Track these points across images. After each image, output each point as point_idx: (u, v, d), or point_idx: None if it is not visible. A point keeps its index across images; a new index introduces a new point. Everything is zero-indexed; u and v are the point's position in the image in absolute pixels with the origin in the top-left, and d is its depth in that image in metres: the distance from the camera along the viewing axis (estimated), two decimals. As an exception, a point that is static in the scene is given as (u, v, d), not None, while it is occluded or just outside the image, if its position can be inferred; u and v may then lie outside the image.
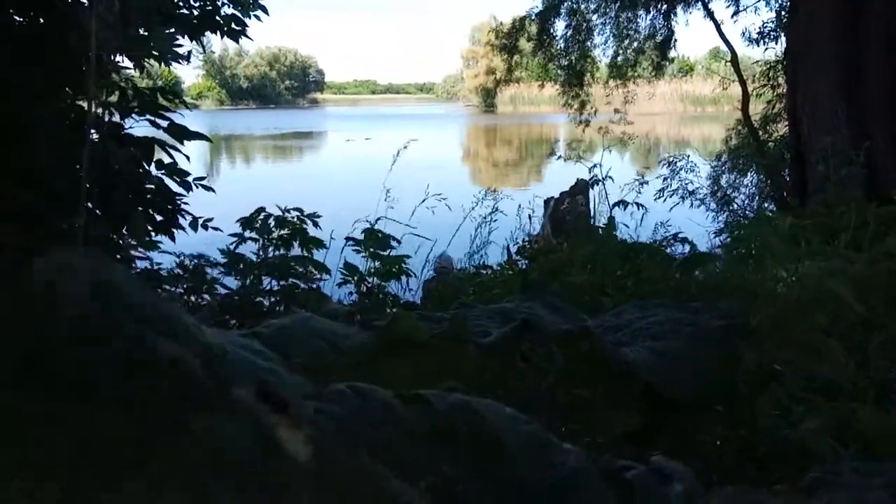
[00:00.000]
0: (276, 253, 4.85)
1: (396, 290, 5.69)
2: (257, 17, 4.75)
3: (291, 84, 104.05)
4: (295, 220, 4.91)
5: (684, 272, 3.19)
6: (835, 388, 1.85)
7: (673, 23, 12.98)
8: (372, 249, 4.91)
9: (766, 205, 10.22)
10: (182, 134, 4.18)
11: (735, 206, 10.81)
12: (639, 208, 7.61)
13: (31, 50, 3.84)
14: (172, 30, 4.42)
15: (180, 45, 4.41)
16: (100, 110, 3.90)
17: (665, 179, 10.54)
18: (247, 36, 4.74)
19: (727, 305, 2.05)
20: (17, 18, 4.07)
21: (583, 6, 13.12)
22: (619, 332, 1.88)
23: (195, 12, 4.56)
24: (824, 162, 6.15)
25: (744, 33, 12.04)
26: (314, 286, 4.88)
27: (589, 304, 3.32)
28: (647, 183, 9.05)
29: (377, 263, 4.97)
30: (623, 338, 1.84)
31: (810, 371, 1.85)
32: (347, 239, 5.15)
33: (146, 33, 4.24)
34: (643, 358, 1.69)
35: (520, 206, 9.99)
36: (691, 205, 10.67)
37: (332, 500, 0.35)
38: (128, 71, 4.58)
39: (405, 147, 7.17)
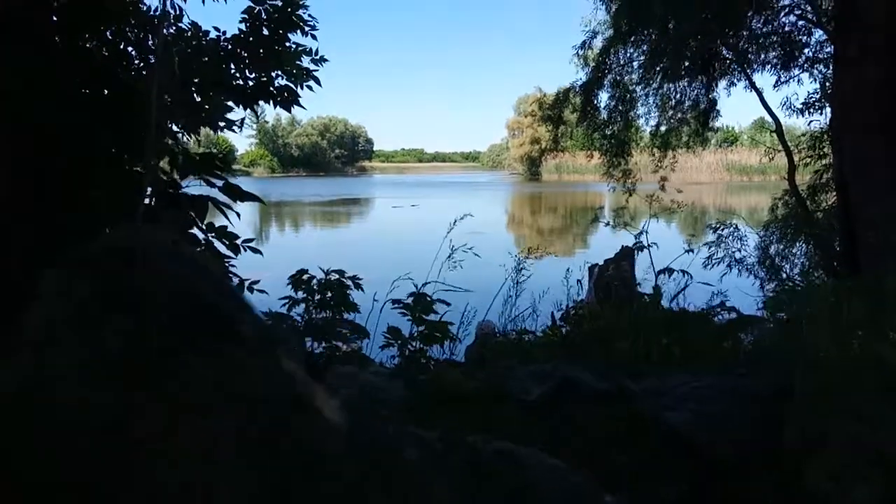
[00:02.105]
0: (319, 315, 4.93)
1: (439, 354, 5.70)
2: (310, 88, 4.92)
3: (341, 152, 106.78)
4: (335, 282, 5.00)
5: (728, 335, 3.15)
6: (886, 457, 1.80)
7: (715, 94, 13.03)
8: (417, 314, 4.97)
9: (816, 275, 10.02)
10: (236, 194, 4.31)
11: (784, 275, 10.62)
12: (684, 275, 7.53)
13: (95, 118, 4.05)
14: (229, 101, 4.60)
15: (232, 110, 4.59)
16: (156, 173, 4.06)
17: (711, 247, 10.45)
18: (300, 105, 4.90)
19: (772, 370, 2.02)
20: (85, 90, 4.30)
21: (626, 78, 13.28)
22: (663, 396, 1.86)
23: (250, 83, 4.75)
24: (873, 231, 6.04)
25: (784, 102, 12.01)
26: (356, 347, 4.93)
27: (633, 370, 3.29)
28: (692, 251, 8.98)
29: (422, 327, 5.01)
30: (667, 401, 1.82)
31: (861, 438, 1.81)
32: (394, 302, 5.21)
33: (201, 101, 4.44)
34: (687, 421, 1.67)
35: (568, 270, 9.95)
36: (739, 273, 10.53)
37: (363, 462, 0.39)
38: (182, 136, 4.76)
39: (461, 218, 7.29)
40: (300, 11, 4.68)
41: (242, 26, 4.65)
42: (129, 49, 4.55)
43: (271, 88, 4.82)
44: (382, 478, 0.40)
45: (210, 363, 0.40)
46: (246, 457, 0.38)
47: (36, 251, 3.32)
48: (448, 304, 5.22)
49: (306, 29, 4.74)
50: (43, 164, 3.46)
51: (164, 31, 4.15)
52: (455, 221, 7.23)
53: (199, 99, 4.48)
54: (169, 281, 0.44)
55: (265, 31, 4.65)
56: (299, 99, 4.90)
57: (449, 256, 6.98)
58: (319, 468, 0.38)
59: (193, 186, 4.28)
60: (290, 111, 5.05)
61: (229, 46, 4.65)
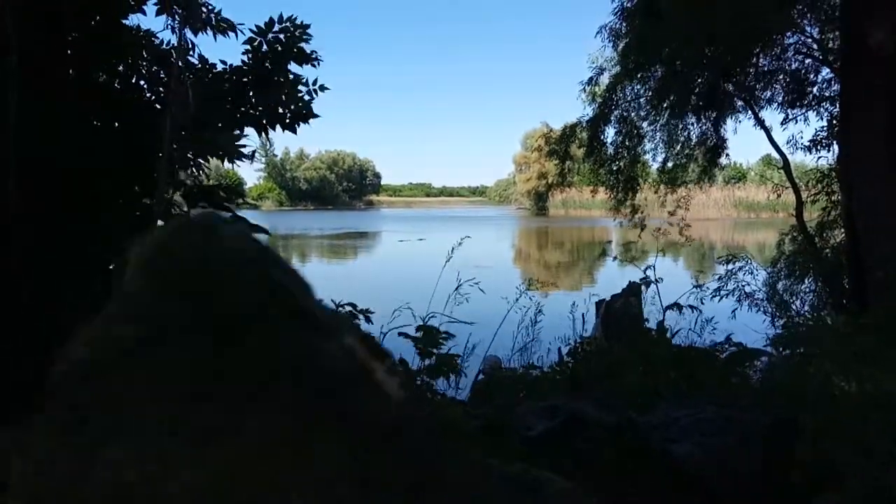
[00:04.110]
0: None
1: (445, 388, 5.66)
2: (309, 120, 4.89)
3: (349, 186, 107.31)
4: (347, 315, 4.98)
5: (735, 368, 3.12)
6: (897, 493, 1.77)
7: (723, 130, 13.09)
8: (426, 347, 4.94)
9: (825, 311, 9.96)
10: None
11: (793, 311, 10.56)
12: (693, 311, 7.50)
13: (109, 149, 4.10)
14: (237, 132, 4.63)
15: (244, 146, 4.62)
16: (167, 203, 4.10)
17: (721, 278, 10.43)
18: (313, 114, 4.84)
19: (776, 403, 2.00)
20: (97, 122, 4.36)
21: (632, 114, 13.35)
22: (668, 429, 1.85)
23: (259, 110, 4.77)
24: (882, 268, 6.02)
25: (789, 141, 12.09)
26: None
27: (640, 405, 3.26)
28: (700, 286, 8.95)
29: (430, 360, 4.97)
30: (672, 434, 1.80)
31: (870, 473, 1.78)
32: (401, 334, 5.18)
33: (213, 133, 4.48)
34: (692, 453, 1.65)
35: (574, 304, 9.89)
36: (749, 308, 10.49)
37: (420, 433, 0.45)
38: (193, 169, 4.80)
39: (459, 243, 7.29)
40: (302, 44, 4.73)
41: (245, 58, 4.72)
42: (142, 82, 4.62)
43: (280, 110, 4.82)
44: (445, 446, 0.49)
45: (287, 336, 0.48)
46: (322, 427, 0.44)
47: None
48: (454, 336, 5.19)
49: (312, 60, 4.79)
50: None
51: (178, 63, 4.22)
52: (453, 249, 7.22)
53: (209, 132, 4.53)
54: (242, 259, 0.52)
55: (268, 64, 4.71)
56: (303, 117, 4.86)
57: (456, 288, 6.97)
58: (391, 438, 0.45)
59: (201, 217, 4.31)
60: (294, 131, 5.02)
61: (234, 78, 4.71)
